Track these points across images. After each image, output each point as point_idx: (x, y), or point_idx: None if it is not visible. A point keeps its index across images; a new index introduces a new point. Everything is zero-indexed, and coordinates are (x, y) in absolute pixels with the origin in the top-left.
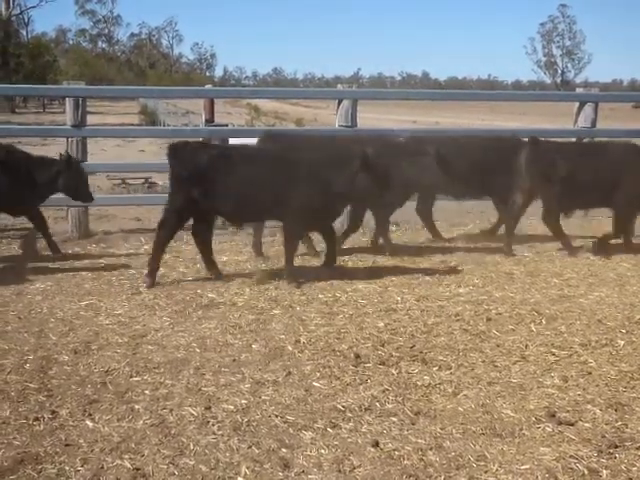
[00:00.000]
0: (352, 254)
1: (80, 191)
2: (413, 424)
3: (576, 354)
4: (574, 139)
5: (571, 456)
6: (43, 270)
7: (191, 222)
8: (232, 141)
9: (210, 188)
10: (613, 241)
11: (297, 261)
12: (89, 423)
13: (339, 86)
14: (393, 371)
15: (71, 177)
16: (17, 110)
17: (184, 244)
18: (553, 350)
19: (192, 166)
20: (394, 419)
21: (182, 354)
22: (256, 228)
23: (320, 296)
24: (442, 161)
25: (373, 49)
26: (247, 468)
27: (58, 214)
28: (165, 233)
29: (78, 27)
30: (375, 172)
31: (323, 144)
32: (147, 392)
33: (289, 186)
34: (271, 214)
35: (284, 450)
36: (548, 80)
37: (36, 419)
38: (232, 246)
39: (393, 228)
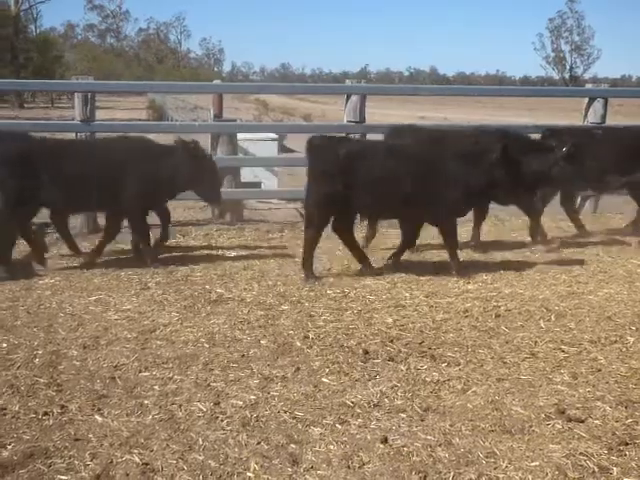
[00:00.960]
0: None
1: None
2: (422, 420)
3: (586, 351)
4: None
5: (581, 453)
6: (52, 265)
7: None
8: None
9: (353, 183)
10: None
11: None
12: (98, 418)
13: (347, 81)
14: (402, 367)
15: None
16: (26, 105)
17: (192, 239)
18: (562, 347)
19: (334, 161)
20: (403, 415)
21: (191, 349)
22: (371, 223)
23: (329, 292)
24: (582, 155)
25: (381, 45)
26: (256, 464)
27: None
28: (317, 229)
29: (86, 22)
30: (513, 165)
31: (461, 138)
32: (156, 387)
33: (436, 180)
34: (411, 208)
35: (293, 446)
36: (556, 76)
37: (45, 414)
38: (241, 241)
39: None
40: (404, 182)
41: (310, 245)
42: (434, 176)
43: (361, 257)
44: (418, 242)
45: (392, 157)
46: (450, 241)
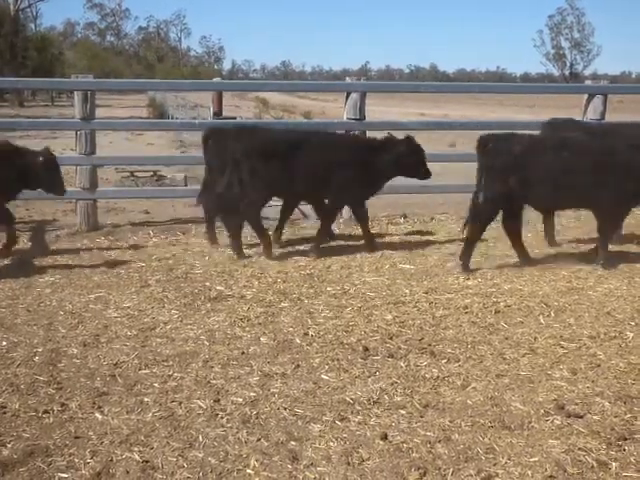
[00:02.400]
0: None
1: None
2: (422, 417)
3: (585, 346)
4: None
5: (580, 448)
6: (52, 263)
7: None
8: None
9: (527, 178)
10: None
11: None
12: (98, 416)
13: (347, 79)
14: (401, 364)
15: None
16: (26, 104)
17: (193, 237)
18: (562, 342)
19: (508, 157)
20: (403, 412)
21: (191, 347)
22: (546, 220)
23: (328, 289)
24: None
25: (381, 42)
26: (256, 460)
27: (67, 207)
28: (482, 225)
29: (86, 20)
30: None
31: (627, 130)
32: (156, 385)
33: (611, 172)
34: (587, 201)
35: (293, 443)
36: (557, 72)
37: (45, 412)
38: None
39: (401, 220)
40: (581, 174)
41: (473, 239)
42: (611, 167)
43: (524, 254)
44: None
45: (567, 150)
46: (611, 231)
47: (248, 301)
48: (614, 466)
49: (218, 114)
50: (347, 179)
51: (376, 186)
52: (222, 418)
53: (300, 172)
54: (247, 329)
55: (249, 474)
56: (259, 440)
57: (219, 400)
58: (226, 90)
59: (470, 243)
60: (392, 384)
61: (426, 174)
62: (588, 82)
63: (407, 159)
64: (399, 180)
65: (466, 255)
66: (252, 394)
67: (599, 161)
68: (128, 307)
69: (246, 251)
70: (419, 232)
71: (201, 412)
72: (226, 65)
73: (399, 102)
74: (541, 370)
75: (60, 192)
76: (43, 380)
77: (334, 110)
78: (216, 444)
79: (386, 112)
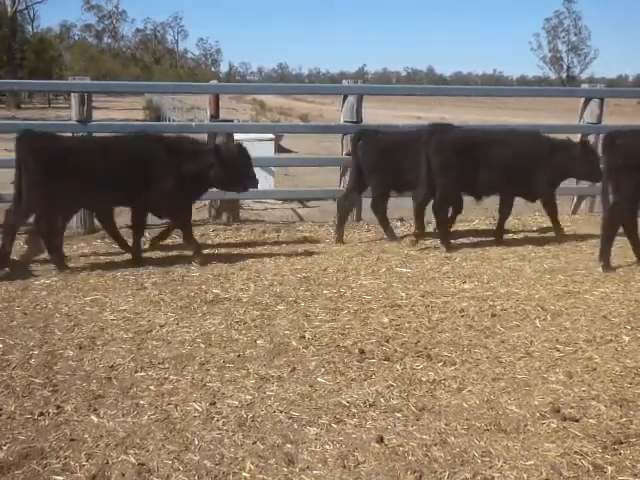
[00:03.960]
0: None
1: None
2: (418, 420)
3: (581, 350)
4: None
5: (576, 452)
6: (48, 265)
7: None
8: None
9: None
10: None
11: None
12: (94, 418)
13: (344, 82)
14: (398, 367)
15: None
16: (22, 105)
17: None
18: (558, 346)
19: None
20: (399, 415)
21: (187, 350)
22: None
23: (325, 292)
24: None
25: (379, 44)
26: (252, 463)
27: None
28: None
29: (84, 22)
30: None
31: None
32: (152, 387)
33: None
34: None
35: (289, 446)
36: (553, 76)
37: (41, 414)
38: (237, 241)
39: (398, 224)
40: None
41: (637, 234)
42: None
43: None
44: None
45: None
46: None
47: (244, 304)
48: (610, 470)
49: (215, 116)
50: (540, 176)
51: (555, 185)
52: (218, 421)
53: (495, 170)
54: (243, 332)
55: (245, 477)
56: (255, 443)
57: (215, 403)
58: (223, 93)
59: (609, 240)
60: (388, 387)
61: (598, 177)
62: (585, 85)
63: (583, 161)
64: None
65: (606, 253)
66: (248, 397)
67: None
68: (124, 310)
69: (246, 252)
70: (415, 236)
71: (197, 415)
72: (223, 67)
73: (395, 105)
74: (537, 373)
75: (254, 184)
76: (39, 382)
77: (331, 113)
78: (212, 447)
79: (383, 115)
